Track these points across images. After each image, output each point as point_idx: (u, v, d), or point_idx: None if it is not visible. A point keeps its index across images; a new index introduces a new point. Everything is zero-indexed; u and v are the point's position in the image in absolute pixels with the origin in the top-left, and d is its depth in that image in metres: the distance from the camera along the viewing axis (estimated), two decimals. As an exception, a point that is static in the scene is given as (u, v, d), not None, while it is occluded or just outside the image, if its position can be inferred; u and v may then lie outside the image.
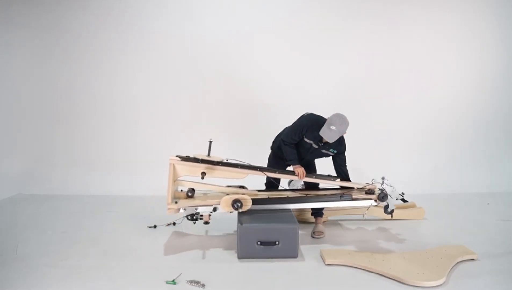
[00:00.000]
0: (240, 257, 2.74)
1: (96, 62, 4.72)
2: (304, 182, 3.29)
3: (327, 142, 3.00)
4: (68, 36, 4.67)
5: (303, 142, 3.09)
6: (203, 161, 2.98)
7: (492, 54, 4.96)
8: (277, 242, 2.72)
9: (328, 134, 2.85)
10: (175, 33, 4.67)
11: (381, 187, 3.20)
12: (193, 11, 4.67)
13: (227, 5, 4.70)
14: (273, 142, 3.45)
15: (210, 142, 3.08)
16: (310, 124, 3.02)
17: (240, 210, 2.87)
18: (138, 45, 4.71)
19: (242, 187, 3.23)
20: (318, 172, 3.38)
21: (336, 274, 2.51)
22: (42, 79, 4.73)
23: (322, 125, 2.89)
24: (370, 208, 3.30)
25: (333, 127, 2.83)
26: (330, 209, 3.56)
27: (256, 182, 3.40)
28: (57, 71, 4.72)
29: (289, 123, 5.22)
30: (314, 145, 3.07)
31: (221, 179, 3.07)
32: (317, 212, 3.35)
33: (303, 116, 3.16)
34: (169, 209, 2.85)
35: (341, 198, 3.14)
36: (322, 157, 3.21)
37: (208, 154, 3.07)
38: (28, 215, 3.77)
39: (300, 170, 3.04)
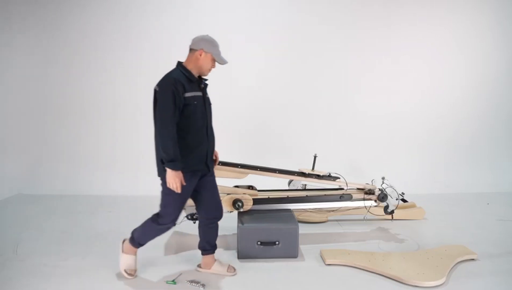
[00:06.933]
0: (240, 257, 2.74)
1: (98, 61, 4.72)
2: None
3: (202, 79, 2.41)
4: (70, 35, 4.66)
5: (190, 105, 2.23)
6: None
7: (492, 55, 4.96)
8: (277, 242, 2.72)
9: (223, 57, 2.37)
10: (176, 33, 4.67)
11: (381, 187, 3.21)
12: (194, 11, 4.67)
13: (227, 6, 4.71)
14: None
15: (315, 156, 3.22)
16: (175, 77, 2.23)
17: (241, 210, 2.87)
18: (140, 45, 4.70)
19: (251, 187, 3.23)
20: (316, 169, 3.35)
21: (336, 274, 2.51)
22: (42, 79, 4.73)
23: (183, 69, 2.29)
24: (370, 208, 3.30)
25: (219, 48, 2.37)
26: (330, 209, 3.56)
27: (256, 182, 3.40)
28: (58, 70, 4.72)
29: (288, 122, 5.24)
30: (202, 94, 2.35)
31: (222, 179, 3.07)
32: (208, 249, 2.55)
33: (161, 88, 2.21)
34: (169, 209, 2.84)
35: (341, 198, 3.14)
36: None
37: (313, 168, 3.19)
38: (28, 215, 3.77)
39: (178, 180, 2.14)
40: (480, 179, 4.94)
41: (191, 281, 2.37)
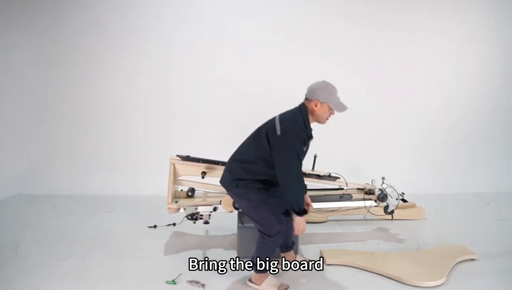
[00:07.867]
0: (240, 257, 2.73)
1: (97, 62, 4.72)
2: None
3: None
4: (69, 36, 4.66)
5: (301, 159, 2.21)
6: (203, 161, 2.98)
7: (491, 55, 4.96)
8: (277, 242, 2.72)
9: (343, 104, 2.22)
10: (176, 34, 4.67)
11: (381, 187, 3.20)
12: (194, 12, 4.66)
13: (227, 6, 4.71)
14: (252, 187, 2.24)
15: (315, 156, 3.18)
16: (302, 126, 2.17)
17: (241, 210, 2.87)
18: (139, 46, 4.70)
19: None
20: (316, 169, 3.35)
21: (336, 274, 2.51)
22: (42, 79, 4.73)
23: (306, 119, 2.18)
24: (370, 208, 3.30)
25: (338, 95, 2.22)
26: (330, 209, 3.56)
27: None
28: (58, 70, 4.72)
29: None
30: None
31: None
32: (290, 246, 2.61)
33: (290, 135, 2.11)
34: (169, 208, 2.85)
35: (341, 198, 3.14)
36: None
37: (313, 168, 3.17)
38: (28, 215, 3.77)
39: (305, 225, 2.18)
40: (480, 179, 4.94)
41: (191, 281, 2.37)
